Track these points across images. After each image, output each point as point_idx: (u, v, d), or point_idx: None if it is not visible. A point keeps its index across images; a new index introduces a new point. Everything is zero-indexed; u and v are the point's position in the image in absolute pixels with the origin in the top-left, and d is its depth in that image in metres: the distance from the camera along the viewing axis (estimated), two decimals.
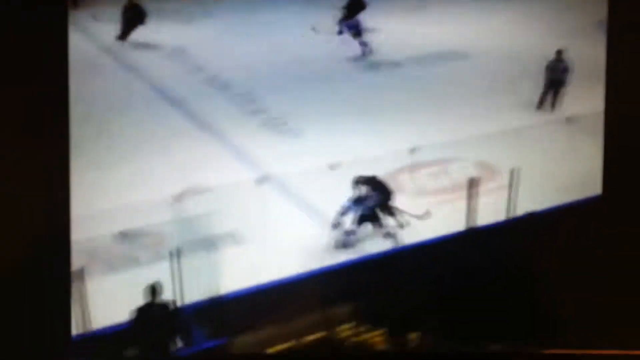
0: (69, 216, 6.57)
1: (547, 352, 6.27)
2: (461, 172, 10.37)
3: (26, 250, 6.27)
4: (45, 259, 6.46)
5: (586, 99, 12.53)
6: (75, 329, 6.80)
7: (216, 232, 8.38)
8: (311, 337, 6.21)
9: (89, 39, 11.90)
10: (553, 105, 12.09)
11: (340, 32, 14.62)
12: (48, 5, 6.58)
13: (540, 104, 12.32)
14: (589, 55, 14.75)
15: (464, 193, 9.17)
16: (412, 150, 10.03)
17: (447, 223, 9.14)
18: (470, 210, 8.86)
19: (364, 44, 14.64)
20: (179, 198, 8.99)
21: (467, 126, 11.43)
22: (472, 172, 9.88)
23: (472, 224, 8.82)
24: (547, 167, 9.55)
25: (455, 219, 9.23)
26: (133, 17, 12.61)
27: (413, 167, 10.56)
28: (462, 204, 9.23)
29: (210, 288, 7.16)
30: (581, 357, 6.20)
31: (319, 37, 16.66)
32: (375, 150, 10.70)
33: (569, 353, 6.22)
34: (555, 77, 12.44)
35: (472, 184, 8.92)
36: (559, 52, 12.49)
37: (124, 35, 12.68)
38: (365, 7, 14.50)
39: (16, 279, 6.25)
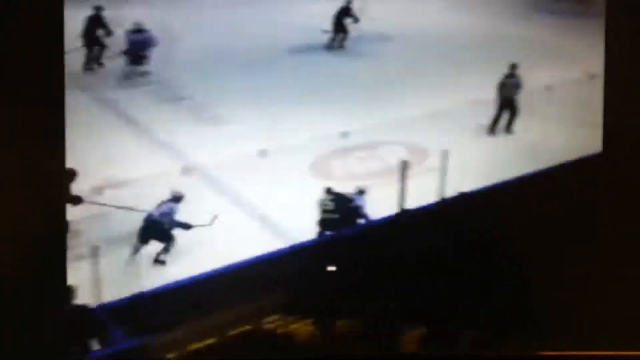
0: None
1: (545, 354, 6.28)
2: (392, 155, 10.47)
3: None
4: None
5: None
6: None
7: (136, 226, 8.12)
8: (236, 331, 6.07)
9: None
10: (508, 128, 11.40)
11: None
12: None
13: (493, 127, 11.41)
14: (523, 37, 15.26)
15: (394, 176, 9.13)
16: (343, 134, 9.96)
17: (379, 206, 9.06)
18: (403, 193, 8.84)
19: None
20: (97, 190, 8.70)
21: (396, 108, 11.43)
22: (403, 155, 9.89)
23: (404, 207, 8.79)
24: (476, 147, 9.59)
25: (387, 202, 9.21)
26: None
27: (344, 152, 10.54)
28: (393, 188, 9.23)
29: (130, 286, 6.93)
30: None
31: (245, 27, 16.60)
32: (305, 135, 10.57)
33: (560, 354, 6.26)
34: (508, 95, 11.68)
35: (403, 167, 8.89)
36: (513, 67, 11.90)
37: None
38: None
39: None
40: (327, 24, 15.83)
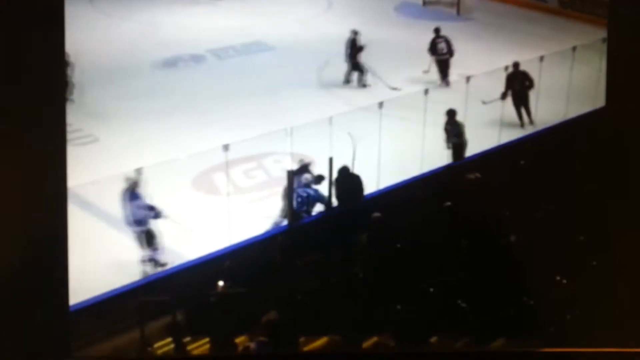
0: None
1: (546, 350, 6.26)
2: (276, 165, 10.71)
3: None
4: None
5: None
6: None
7: None
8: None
9: None
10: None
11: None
12: None
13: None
14: (386, 36, 15.87)
15: (281, 187, 9.30)
16: (225, 147, 9.95)
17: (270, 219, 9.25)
18: (291, 203, 9.01)
19: None
20: None
21: (279, 118, 11.60)
22: (288, 164, 9.99)
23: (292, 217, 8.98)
24: (362, 152, 9.86)
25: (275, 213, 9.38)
26: None
27: (228, 165, 10.47)
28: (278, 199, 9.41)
29: None
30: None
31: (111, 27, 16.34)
32: (184, 150, 10.53)
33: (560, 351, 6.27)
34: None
35: (290, 176, 9.06)
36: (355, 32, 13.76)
37: None
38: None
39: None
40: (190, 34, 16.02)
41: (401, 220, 8.35)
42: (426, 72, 14.62)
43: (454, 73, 13.56)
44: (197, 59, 15.23)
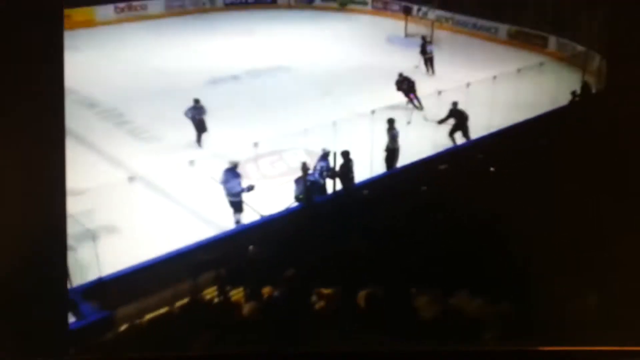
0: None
1: (544, 349, 5.16)
2: (294, 158, 10.59)
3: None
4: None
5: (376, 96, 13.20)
6: None
7: (94, 226, 7.77)
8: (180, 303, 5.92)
9: None
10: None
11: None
12: None
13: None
14: (377, 63, 15.79)
15: (297, 174, 9.17)
16: (255, 144, 9.92)
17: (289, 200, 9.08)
18: (306, 187, 8.86)
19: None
20: None
21: (296, 122, 11.51)
22: (302, 158, 9.97)
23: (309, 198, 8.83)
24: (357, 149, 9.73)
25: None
26: None
27: (257, 158, 10.53)
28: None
29: (94, 272, 6.64)
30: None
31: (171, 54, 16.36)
32: (225, 146, 10.45)
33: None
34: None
35: (304, 167, 8.93)
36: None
37: None
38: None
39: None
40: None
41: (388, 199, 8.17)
42: (416, 67, 15.23)
43: (429, 88, 13.27)
44: (235, 78, 15.24)
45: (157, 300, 6.20)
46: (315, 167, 9.12)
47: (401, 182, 9.16)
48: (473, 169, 8.94)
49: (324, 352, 4.62)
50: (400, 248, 6.22)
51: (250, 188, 8.75)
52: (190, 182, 9.10)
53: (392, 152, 10.42)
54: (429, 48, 15.43)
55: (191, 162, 8.86)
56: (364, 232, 6.59)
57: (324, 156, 9.15)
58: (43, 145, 5.14)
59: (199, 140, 11.46)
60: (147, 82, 14.60)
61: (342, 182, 9.14)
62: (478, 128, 11.39)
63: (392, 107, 11.87)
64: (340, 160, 9.11)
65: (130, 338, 5.34)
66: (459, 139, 11.42)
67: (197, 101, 11.36)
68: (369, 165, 9.75)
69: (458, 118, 11.32)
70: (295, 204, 8.75)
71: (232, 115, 12.65)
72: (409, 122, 11.85)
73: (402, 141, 10.52)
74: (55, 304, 5.03)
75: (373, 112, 10.55)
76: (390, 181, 9.43)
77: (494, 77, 12.50)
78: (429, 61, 15.38)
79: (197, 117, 11.40)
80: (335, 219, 7.56)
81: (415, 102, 13.11)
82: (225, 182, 8.82)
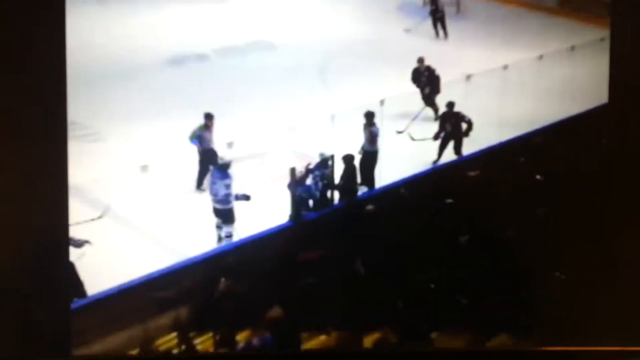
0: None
1: (546, 349, 6.10)
2: (278, 162, 10.58)
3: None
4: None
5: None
6: None
7: None
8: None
9: None
10: None
11: None
12: None
13: None
14: (387, 37, 15.87)
15: (283, 182, 9.26)
16: (229, 145, 9.99)
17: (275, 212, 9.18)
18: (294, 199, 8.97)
19: None
20: None
21: (278, 117, 11.62)
22: (288, 161, 10.09)
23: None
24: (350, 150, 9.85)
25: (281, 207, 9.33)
26: None
27: (231, 162, 10.53)
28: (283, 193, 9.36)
29: None
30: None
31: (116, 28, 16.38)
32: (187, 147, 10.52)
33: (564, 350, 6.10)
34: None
35: (292, 173, 9.03)
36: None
37: None
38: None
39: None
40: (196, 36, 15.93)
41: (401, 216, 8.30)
42: (407, 30, 15.72)
43: (455, 72, 13.40)
44: (200, 57, 15.22)
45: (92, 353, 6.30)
46: (308, 175, 9.22)
47: (417, 193, 9.26)
48: (512, 176, 9.07)
49: (324, 352, 4.93)
50: (416, 280, 6.34)
51: (244, 197, 9.01)
52: (141, 193, 9.17)
53: (368, 156, 10.24)
54: (440, 3, 15.86)
55: (143, 168, 8.93)
56: (368, 258, 6.70)
57: (323, 163, 9.29)
58: (44, 145, 5.83)
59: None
60: (84, 65, 14.56)
61: (342, 194, 9.23)
62: (519, 123, 11.55)
63: (408, 95, 12.00)
64: (340, 167, 9.22)
65: None
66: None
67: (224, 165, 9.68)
68: (376, 173, 9.86)
69: (453, 126, 11.05)
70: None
71: (197, 107, 12.61)
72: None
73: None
74: (56, 305, 5.67)
75: (382, 102, 10.63)
76: (403, 192, 9.51)
77: (540, 57, 12.64)
78: (439, 21, 15.75)
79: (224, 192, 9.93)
80: (332, 240, 7.66)
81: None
82: (211, 183, 9.04)
